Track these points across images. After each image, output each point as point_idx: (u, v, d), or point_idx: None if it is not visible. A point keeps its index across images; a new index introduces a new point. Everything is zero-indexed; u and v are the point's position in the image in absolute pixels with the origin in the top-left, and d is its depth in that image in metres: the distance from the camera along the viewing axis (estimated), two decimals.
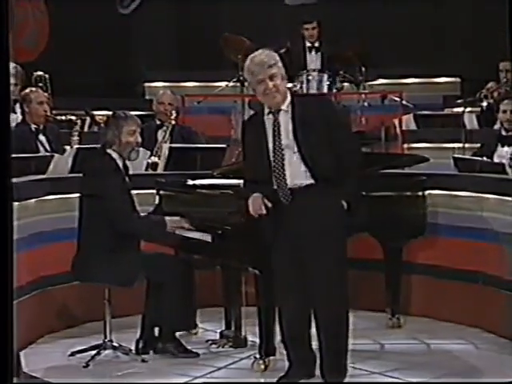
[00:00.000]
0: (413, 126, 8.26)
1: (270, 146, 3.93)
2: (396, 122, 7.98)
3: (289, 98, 3.98)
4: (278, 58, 3.96)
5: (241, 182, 4.47)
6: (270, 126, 3.96)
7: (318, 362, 4.06)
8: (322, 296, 3.91)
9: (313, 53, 8.33)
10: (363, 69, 8.05)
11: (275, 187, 3.94)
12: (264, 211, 3.92)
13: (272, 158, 3.92)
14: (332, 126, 3.93)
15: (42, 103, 6.12)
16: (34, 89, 6.38)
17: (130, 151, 4.60)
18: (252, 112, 7.79)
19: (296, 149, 3.90)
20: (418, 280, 5.38)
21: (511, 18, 4.08)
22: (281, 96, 3.94)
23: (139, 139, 4.65)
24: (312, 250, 3.90)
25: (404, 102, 8.12)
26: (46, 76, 7.72)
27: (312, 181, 3.90)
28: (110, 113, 4.78)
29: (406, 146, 7.83)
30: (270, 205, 3.94)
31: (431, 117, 8.33)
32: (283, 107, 3.96)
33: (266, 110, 4.00)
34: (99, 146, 4.70)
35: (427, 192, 5.10)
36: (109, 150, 4.60)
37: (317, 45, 8.33)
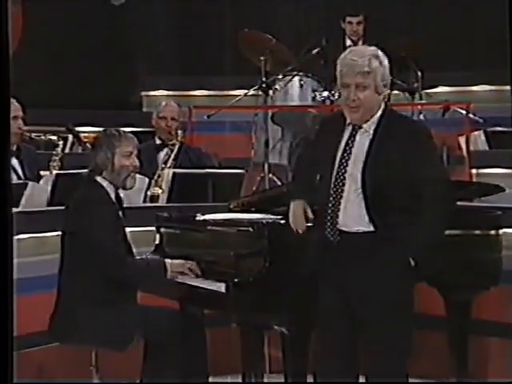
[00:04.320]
0: (483, 147, 8.29)
1: (336, 166, 3.94)
2: (462, 140, 8.00)
3: (377, 116, 3.97)
4: (377, 65, 3.92)
5: (264, 216, 4.54)
6: (344, 140, 3.98)
7: None
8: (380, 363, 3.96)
9: None
10: (419, 73, 8.10)
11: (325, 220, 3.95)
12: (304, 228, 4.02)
13: (332, 185, 3.93)
14: (419, 164, 3.91)
15: (16, 118, 6.15)
16: None
17: (124, 178, 4.68)
18: (276, 128, 7.87)
19: (359, 184, 3.90)
20: (490, 342, 5.43)
21: (511, 17, 4.19)
22: (363, 112, 3.93)
23: (136, 163, 4.73)
24: (368, 312, 3.92)
25: (471, 116, 8.13)
26: None
27: (371, 228, 3.90)
28: (99, 129, 4.87)
29: (474, 171, 7.86)
30: (311, 216, 4.03)
31: (507, 135, 8.36)
32: (364, 125, 3.97)
33: (348, 120, 4.00)
34: (84, 171, 4.79)
35: (502, 231, 5.14)
36: (98, 178, 4.68)
37: (360, 44, 8.36)
